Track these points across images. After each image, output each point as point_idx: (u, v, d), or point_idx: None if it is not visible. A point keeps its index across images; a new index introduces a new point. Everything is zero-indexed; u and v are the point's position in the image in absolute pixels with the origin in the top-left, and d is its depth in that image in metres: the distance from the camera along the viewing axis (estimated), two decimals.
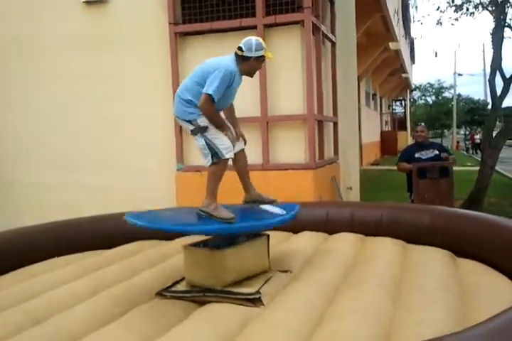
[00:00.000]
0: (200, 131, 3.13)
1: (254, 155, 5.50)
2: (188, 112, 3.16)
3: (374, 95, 23.69)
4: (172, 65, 5.57)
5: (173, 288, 3.11)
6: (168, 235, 4.22)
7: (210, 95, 3.04)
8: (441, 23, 9.22)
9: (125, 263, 3.74)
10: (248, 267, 3.22)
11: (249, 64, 3.18)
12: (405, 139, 28.97)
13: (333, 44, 6.69)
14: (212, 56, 3.30)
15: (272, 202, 3.48)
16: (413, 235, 4.16)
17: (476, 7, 9.43)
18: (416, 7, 10.28)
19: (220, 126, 3.18)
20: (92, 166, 6.42)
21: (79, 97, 6.28)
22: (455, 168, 6.19)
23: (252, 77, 3.30)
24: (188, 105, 3.16)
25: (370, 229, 4.44)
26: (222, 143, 3.13)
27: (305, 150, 5.42)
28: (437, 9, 9.32)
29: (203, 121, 3.13)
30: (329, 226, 4.60)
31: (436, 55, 11.26)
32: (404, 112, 34.42)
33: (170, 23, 5.60)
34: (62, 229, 4.23)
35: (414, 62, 32.20)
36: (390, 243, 4.06)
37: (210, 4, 5.55)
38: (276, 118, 5.46)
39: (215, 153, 3.11)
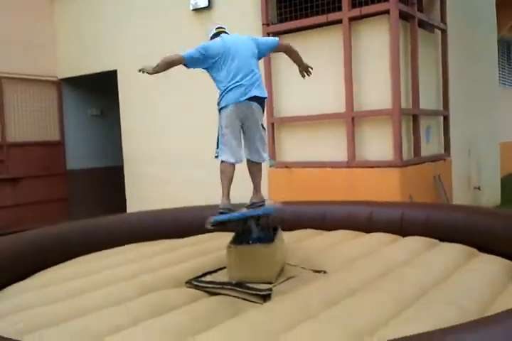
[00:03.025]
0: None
1: (339, 153, 5.39)
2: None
3: None
4: (265, 65, 5.73)
5: (202, 278, 3.28)
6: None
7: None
8: None
9: (179, 253, 4.04)
10: (281, 260, 3.37)
11: None
12: None
13: (444, 32, 6.11)
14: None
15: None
16: (487, 242, 3.72)
17: None
18: None
19: None
20: (200, 164, 6.83)
21: (191, 104, 6.76)
22: None
23: None
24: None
25: (445, 233, 4.09)
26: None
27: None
28: None
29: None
30: (403, 228, 4.34)
31: None
32: None
33: (263, 24, 5.76)
34: (142, 219, 4.74)
35: None
36: (456, 250, 3.68)
37: (299, 2, 5.55)
38: (361, 114, 5.22)
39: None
